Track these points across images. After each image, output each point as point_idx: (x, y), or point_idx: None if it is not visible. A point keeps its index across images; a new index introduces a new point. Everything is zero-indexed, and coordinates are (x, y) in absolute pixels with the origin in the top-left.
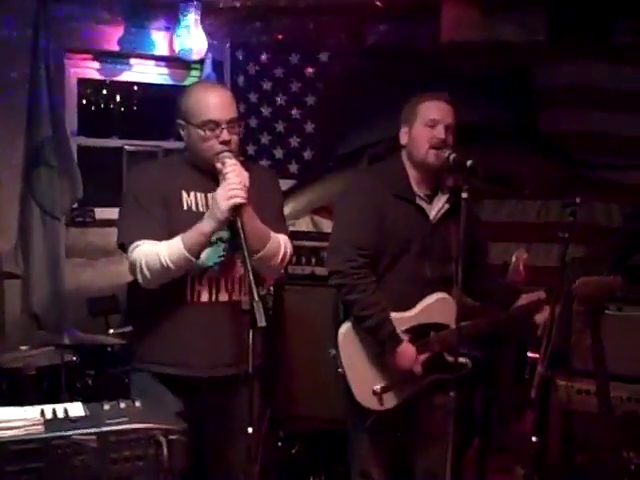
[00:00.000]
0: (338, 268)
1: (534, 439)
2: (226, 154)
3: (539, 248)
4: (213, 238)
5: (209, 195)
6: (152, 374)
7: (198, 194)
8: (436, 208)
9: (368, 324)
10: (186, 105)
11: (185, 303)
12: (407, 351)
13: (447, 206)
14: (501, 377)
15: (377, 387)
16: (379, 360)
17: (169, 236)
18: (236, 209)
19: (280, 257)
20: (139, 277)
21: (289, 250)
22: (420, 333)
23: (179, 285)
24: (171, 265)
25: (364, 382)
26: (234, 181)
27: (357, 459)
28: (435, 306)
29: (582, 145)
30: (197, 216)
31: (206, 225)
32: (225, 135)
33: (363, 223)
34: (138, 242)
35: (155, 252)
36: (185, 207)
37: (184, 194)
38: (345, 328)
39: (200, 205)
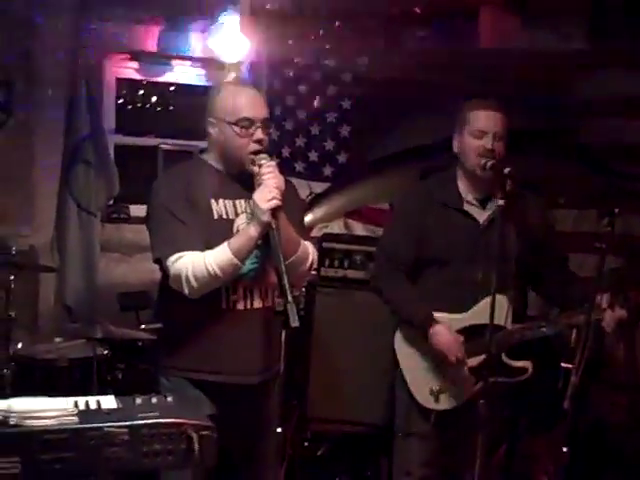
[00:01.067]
0: (373, 273)
1: (565, 449)
2: (262, 155)
3: (573, 258)
4: None
5: (237, 202)
6: (187, 379)
7: (226, 201)
8: (488, 212)
9: (403, 317)
10: (220, 102)
11: (221, 311)
12: (440, 331)
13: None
14: (532, 385)
15: (435, 386)
16: (436, 360)
17: (205, 245)
18: (273, 212)
19: (309, 264)
20: (185, 288)
21: (315, 257)
22: (473, 334)
23: (214, 294)
24: (219, 273)
25: (422, 382)
26: (272, 183)
27: (405, 461)
28: (487, 307)
29: (622, 156)
30: (228, 224)
31: (253, 229)
32: (259, 134)
33: (398, 236)
34: (179, 254)
35: (201, 261)
36: (216, 216)
37: (213, 202)
38: (401, 328)
39: (230, 212)
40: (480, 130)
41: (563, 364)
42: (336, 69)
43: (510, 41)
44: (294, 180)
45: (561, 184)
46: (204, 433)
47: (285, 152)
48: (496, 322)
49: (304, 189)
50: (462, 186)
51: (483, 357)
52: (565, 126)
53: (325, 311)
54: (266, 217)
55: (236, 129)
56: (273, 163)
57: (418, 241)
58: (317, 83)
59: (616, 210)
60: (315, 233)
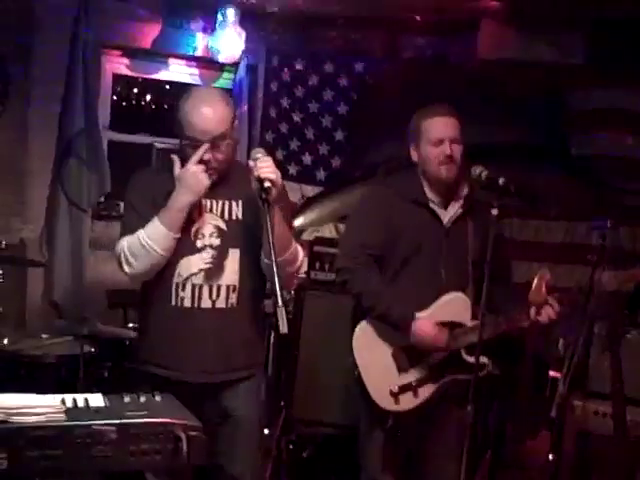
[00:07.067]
0: (344, 265)
1: (551, 457)
2: (258, 149)
3: (563, 269)
4: (201, 244)
5: (202, 202)
6: (150, 375)
7: None
8: (450, 213)
9: (378, 312)
10: (180, 112)
11: (170, 308)
12: (423, 324)
13: (460, 211)
14: (518, 393)
15: (395, 387)
16: (395, 360)
17: None
18: (267, 202)
19: (297, 265)
20: (125, 267)
21: (304, 261)
22: None
23: (165, 289)
24: (153, 244)
25: (381, 383)
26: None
27: (369, 466)
28: (449, 304)
29: (614, 169)
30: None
31: (180, 199)
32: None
33: (368, 226)
34: (122, 238)
35: (135, 237)
36: None
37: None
38: (359, 329)
39: (191, 211)
40: (438, 139)
41: (551, 372)
42: (333, 74)
43: (508, 53)
44: (287, 183)
45: (552, 196)
46: (193, 433)
47: (279, 155)
48: (457, 319)
49: (296, 192)
50: (426, 189)
51: (443, 354)
52: (558, 139)
53: (314, 314)
54: (201, 186)
55: (185, 143)
56: (269, 158)
57: (386, 235)
58: (314, 87)
59: (609, 223)
60: (306, 237)
